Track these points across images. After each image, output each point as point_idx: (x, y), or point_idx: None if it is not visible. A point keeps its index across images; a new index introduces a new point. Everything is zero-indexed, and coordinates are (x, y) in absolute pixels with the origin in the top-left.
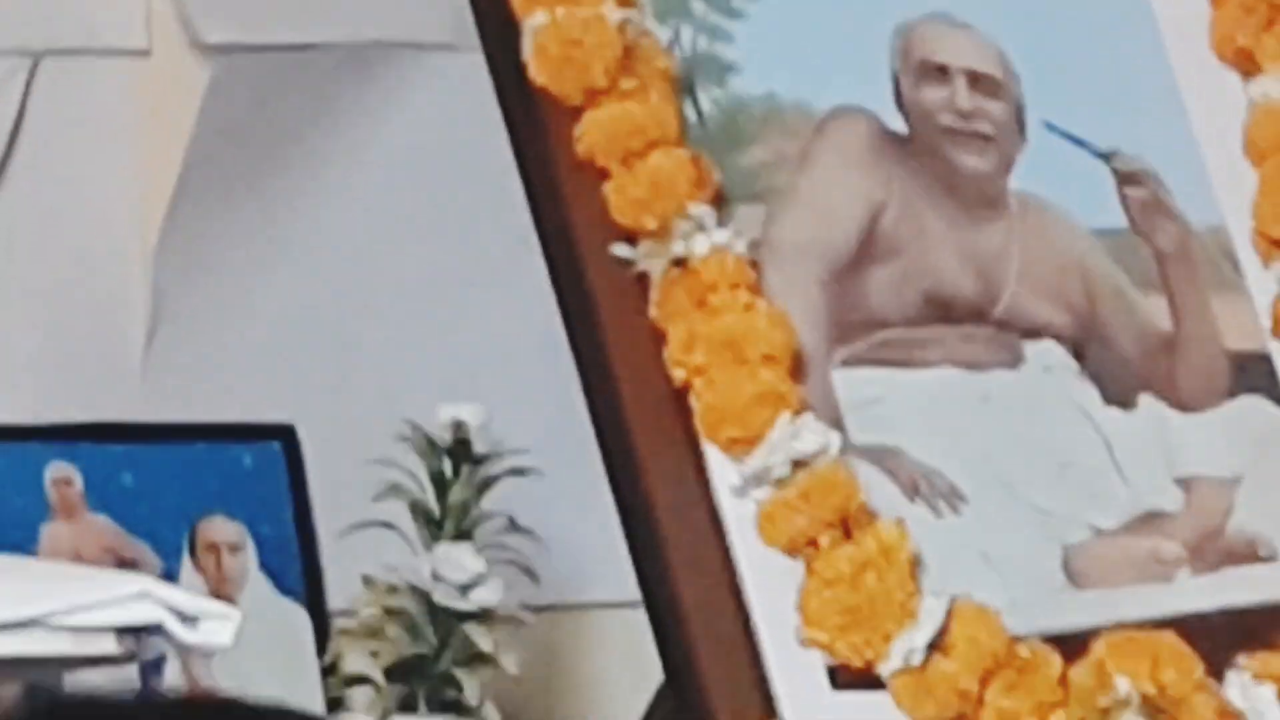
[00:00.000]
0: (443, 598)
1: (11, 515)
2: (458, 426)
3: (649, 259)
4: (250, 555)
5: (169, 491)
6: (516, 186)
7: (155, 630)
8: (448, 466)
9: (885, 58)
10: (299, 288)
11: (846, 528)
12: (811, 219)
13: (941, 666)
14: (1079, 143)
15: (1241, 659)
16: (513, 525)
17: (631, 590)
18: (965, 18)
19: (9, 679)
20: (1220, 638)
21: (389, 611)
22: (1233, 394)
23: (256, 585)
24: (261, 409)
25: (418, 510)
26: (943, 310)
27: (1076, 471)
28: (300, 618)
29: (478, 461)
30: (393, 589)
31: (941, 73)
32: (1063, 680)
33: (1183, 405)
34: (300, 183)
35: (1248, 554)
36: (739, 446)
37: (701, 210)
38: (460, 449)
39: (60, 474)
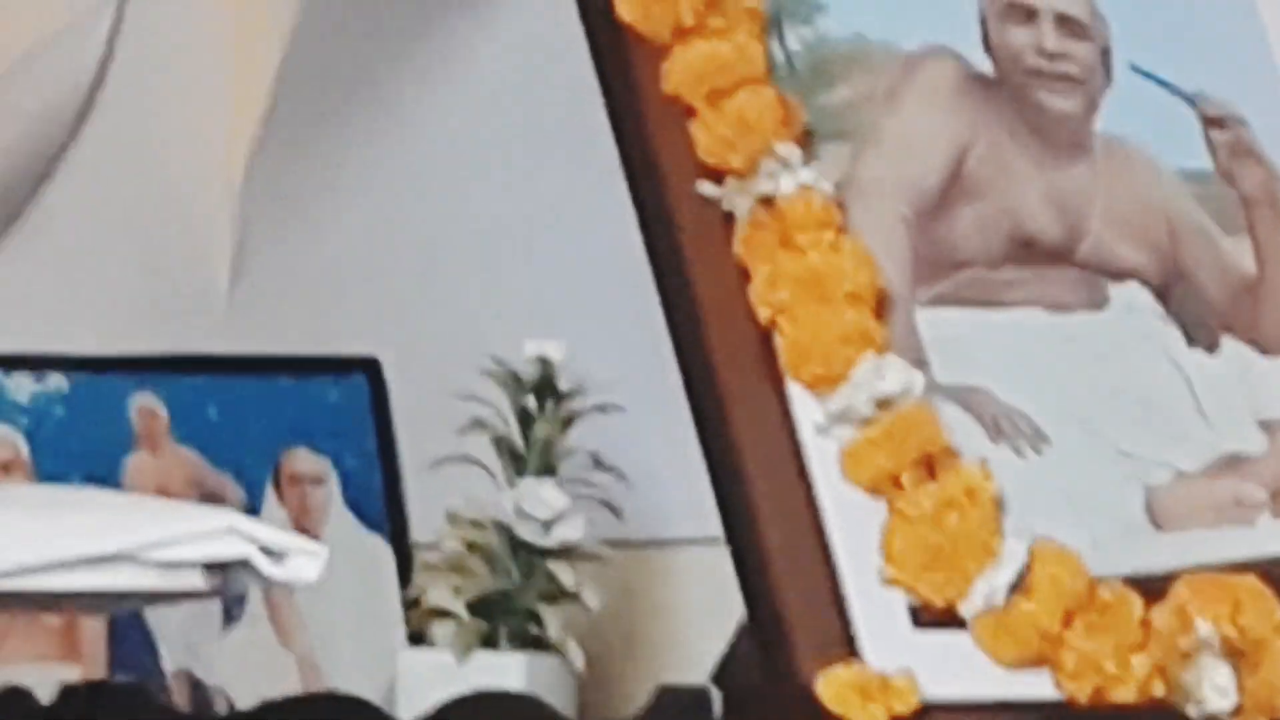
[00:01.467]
0: (525, 533)
1: (96, 446)
2: (542, 362)
3: (735, 197)
4: (334, 489)
5: (253, 424)
6: (603, 121)
7: (242, 565)
8: (532, 402)
9: None
10: (384, 221)
11: (930, 467)
12: (897, 158)
13: (1023, 607)
14: (1165, 85)
15: None
16: (596, 462)
17: (714, 527)
18: None
19: (95, 612)
20: None
21: (472, 546)
22: None
23: (340, 519)
24: (346, 342)
25: (501, 445)
26: (1027, 251)
27: (1159, 413)
28: (383, 551)
29: (561, 397)
30: (476, 524)
31: (1028, 14)
32: (1144, 622)
33: (1266, 348)
34: (386, 115)
35: None
36: (823, 385)
37: (788, 149)
38: (544, 384)
39: (145, 405)
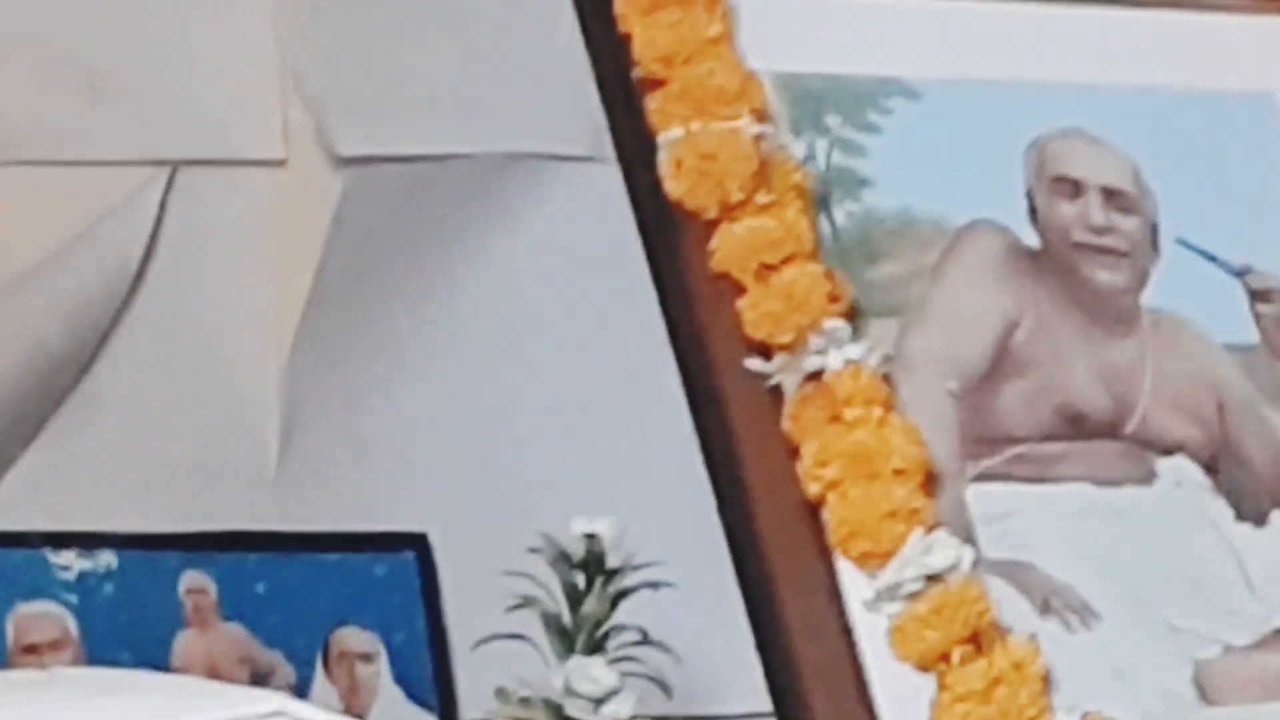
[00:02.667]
0: (575, 711)
1: (146, 624)
2: (591, 539)
3: (783, 373)
4: (383, 665)
5: (302, 601)
6: (651, 298)
7: None
8: (580, 579)
9: (1019, 173)
10: (432, 397)
11: (978, 643)
12: (945, 333)
13: None
14: (1212, 259)
15: None
16: (645, 638)
17: (764, 704)
18: (1098, 133)
19: None
20: None
21: None
22: None
23: (389, 695)
24: (395, 518)
25: (550, 622)
26: (1075, 426)
27: (1208, 588)
28: None
29: (611, 574)
30: (526, 701)
31: (1075, 188)
32: None
33: None
34: (434, 293)
35: None
36: (871, 561)
37: (835, 324)
38: (593, 561)
39: (194, 583)
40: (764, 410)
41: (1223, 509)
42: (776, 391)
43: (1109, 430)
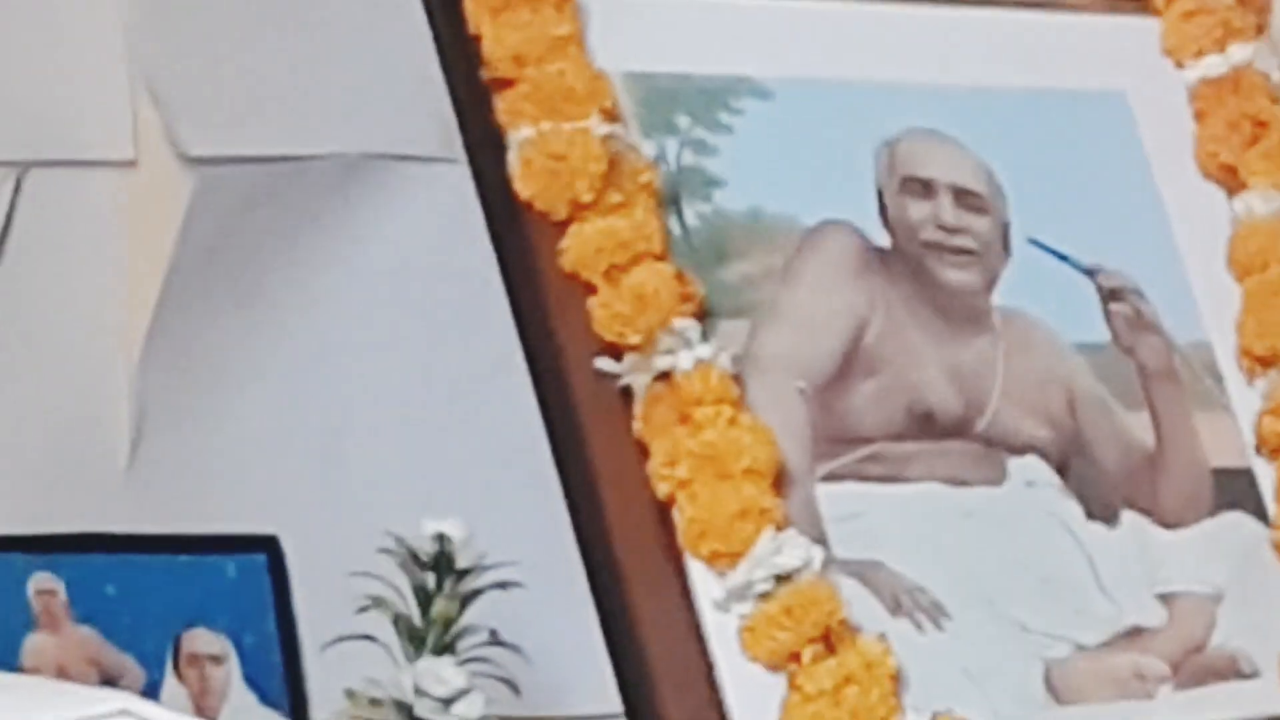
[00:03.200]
0: (425, 712)
1: None
2: (441, 540)
3: (633, 373)
4: (234, 667)
5: (153, 602)
6: (502, 299)
7: None
8: (430, 580)
9: (870, 172)
10: (284, 399)
11: (829, 643)
12: (795, 333)
13: None
14: (1063, 258)
15: None
16: (495, 639)
17: (614, 704)
18: (950, 133)
19: None
20: None
21: None
22: (1215, 510)
23: (240, 697)
24: (246, 519)
25: (400, 623)
26: (926, 425)
27: (1059, 587)
28: None
29: (460, 575)
30: (375, 702)
31: (926, 188)
32: None
33: (1165, 521)
34: (285, 294)
35: (1230, 670)
36: (722, 561)
37: (686, 324)
38: (443, 562)
39: (44, 585)
40: (614, 411)
41: (1073, 508)
42: (627, 392)
43: (960, 430)
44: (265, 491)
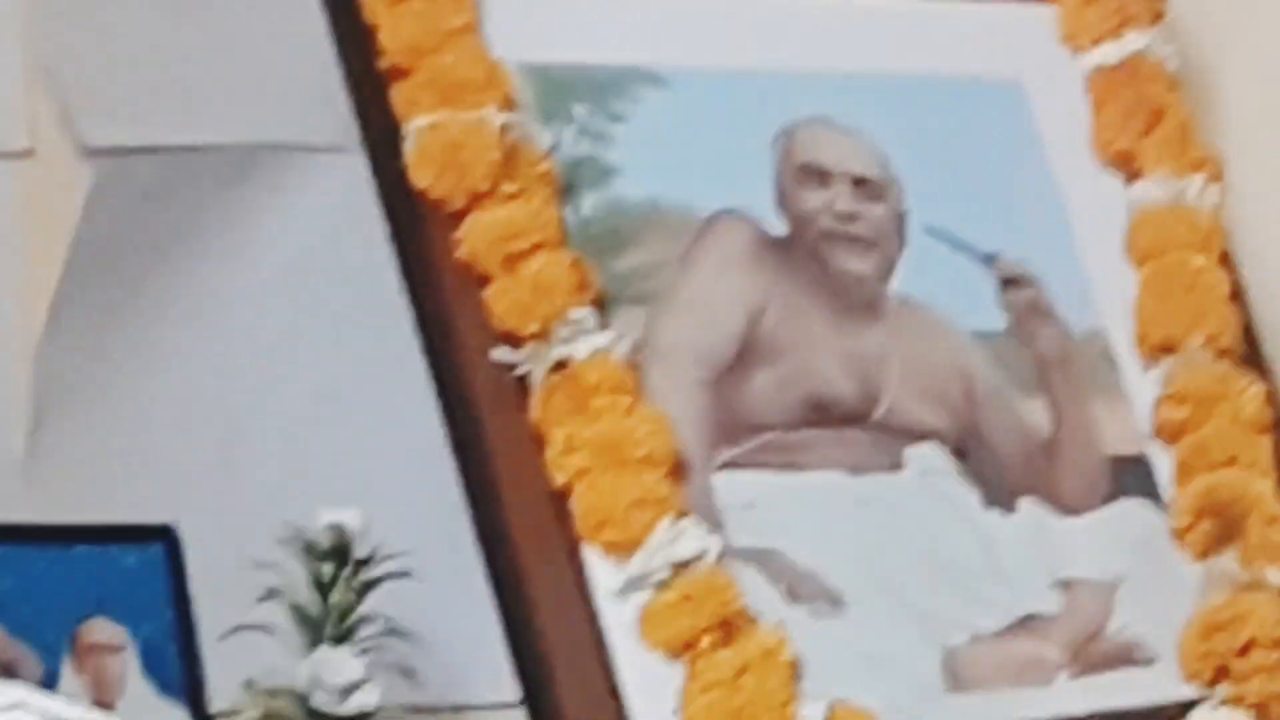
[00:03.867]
0: (322, 701)
1: None
2: (338, 530)
3: (530, 362)
4: (132, 657)
5: (50, 593)
6: (399, 289)
7: None
8: (328, 570)
9: (767, 161)
10: (182, 390)
11: (727, 631)
12: (692, 322)
13: None
14: (960, 246)
15: None
16: (393, 628)
17: (512, 692)
18: (847, 122)
19: None
20: None
21: (270, 715)
22: (1112, 497)
23: (138, 688)
24: (143, 510)
25: (298, 613)
26: (823, 413)
27: (956, 574)
28: None
29: (358, 564)
30: (273, 692)
31: (823, 176)
32: None
33: (1063, 508)
34: (185, 284)
35: (1126, 657)
36: (619, 549)
37: (583, 314)
38: (340, 552)
39: None
40: (512, 399)
41: (971, 496)
42: (524, 381)
43: (857, 418)
44: (163, 482)
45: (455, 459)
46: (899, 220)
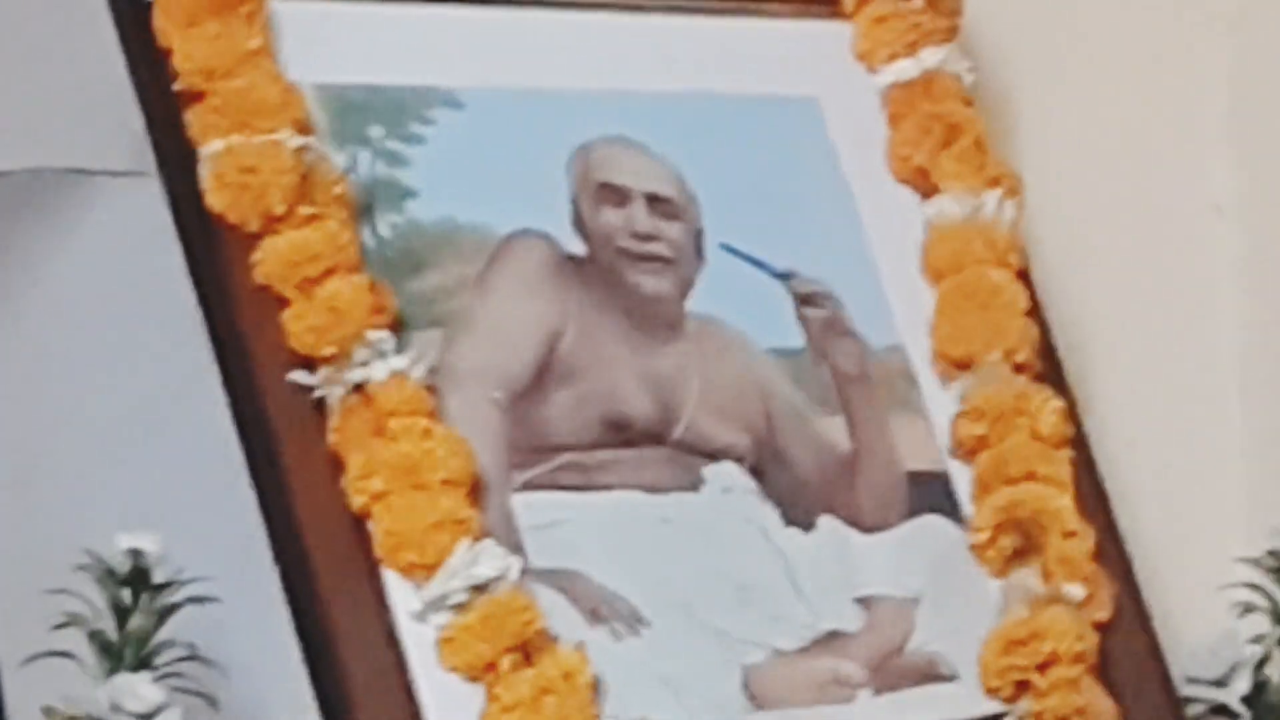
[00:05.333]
0: None
1: None
2: (136, 555)
3: (327, 386)
4: None
5: None
6: (196, 313)
7: None
8: (126, 595)
9: (564, 181)
10: None
11: (527, 652)
12: (489, 344)
13: None
14: (757, 264)
15: None
16: (193, 654)
17: (312, 717)
18: (643, 140)
19: None
20: None
21: None
22: (912, 514)
23: None
24: None
25: (96, 639)
26: (622, 433)
27: (756, 593)
28: None
29: (157, 590)
30: (73, 719)
31: (620, 195)
32: None
33: (862, 525)
34: None
35: (928, 673)
36: (418, 572)
37: (380, 336)
38: (138, 577)
39: None
40: (309, 423)
41: (770, 514)
42: (322, 404)
43: (656, 437)
44: None
45: (253, 483)
46: (696, 239)
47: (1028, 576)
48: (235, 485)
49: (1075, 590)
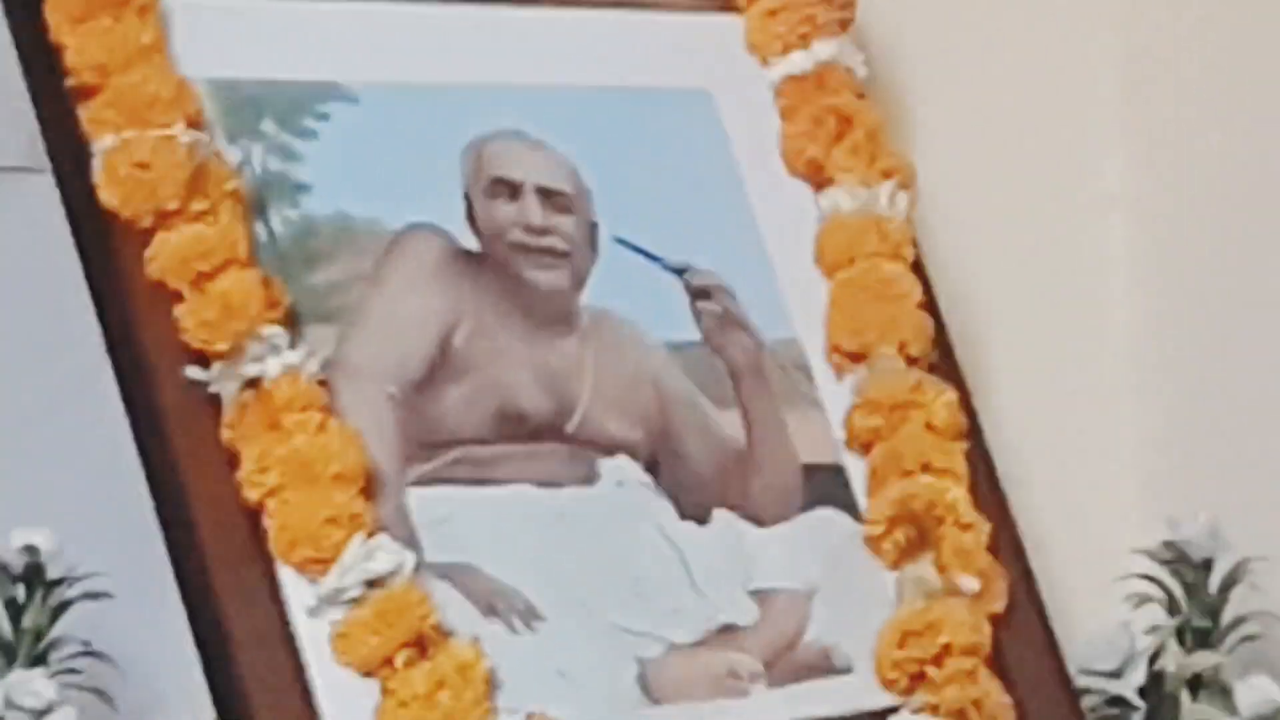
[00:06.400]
0: None
1: None
2: (30, 551)
3: (221, 381)
4: None
5: None
6: (89, 309)
7: None
8: (21, 592)
9: (457, 175)
10: None
11: (422, 647)
12: (383, 338)
13: None
14: (651, 257)
15: None
16: (88, 650)
17: (207, 713)
18: (536, 134)
19: None
20: None
21: None
22: (807, 506)
23: None
24: None
25: None
26: (516, 427)
27: (651, 587)
28: None
29: (51, 586)
30: None
31: (512, 189)
32: None
33: (757, 519)
34: None
35: (823, 666)
36: (313, 567)
37: (273, 331)
38: (33, 573)
39: None
40: (203, 418)
41: (665, 508)
42: (216, 400)
43: (550, 431)
44: None
45: (147, 478)
46: (590, 232)
47: (923, 569)
48: (129, 481)
49: (970, 582)
